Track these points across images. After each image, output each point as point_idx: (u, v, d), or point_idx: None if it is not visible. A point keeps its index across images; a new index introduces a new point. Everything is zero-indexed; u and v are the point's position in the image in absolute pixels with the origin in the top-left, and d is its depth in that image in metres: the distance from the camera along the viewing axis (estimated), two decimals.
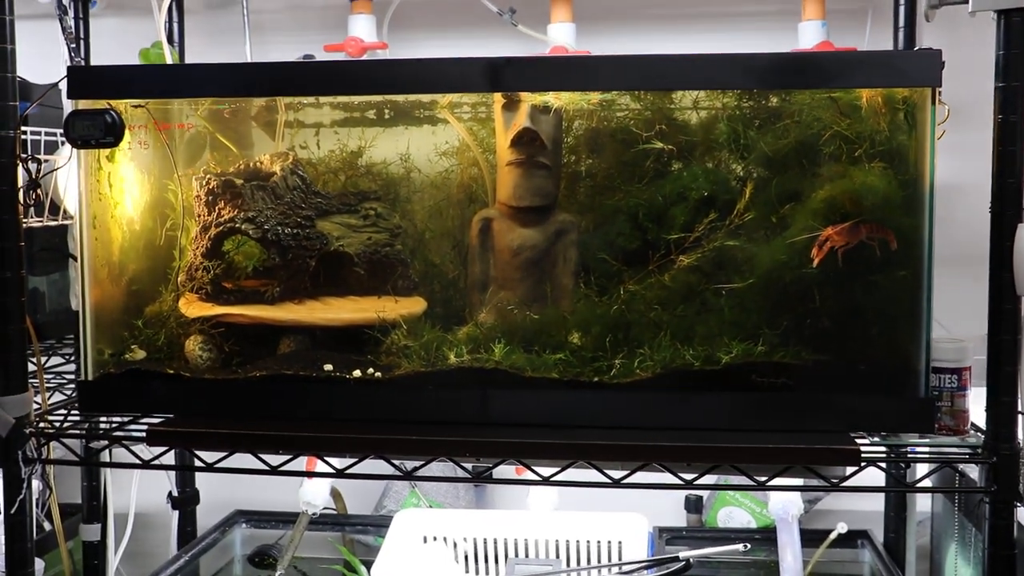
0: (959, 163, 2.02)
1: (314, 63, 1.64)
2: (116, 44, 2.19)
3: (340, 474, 1.65)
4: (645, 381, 1.60)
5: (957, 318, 1.75)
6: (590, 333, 1.66)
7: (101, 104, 1.66)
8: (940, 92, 1.58)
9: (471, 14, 2.32)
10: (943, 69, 1.54)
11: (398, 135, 1.83)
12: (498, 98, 1.73)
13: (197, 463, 1.69)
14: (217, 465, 1.67)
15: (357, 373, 1.67)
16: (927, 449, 1.62)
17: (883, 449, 1.59)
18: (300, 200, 1.79)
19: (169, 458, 1.72)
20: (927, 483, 1.63)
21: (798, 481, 1.60)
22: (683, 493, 2.40)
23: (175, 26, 2.31)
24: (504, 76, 1.61)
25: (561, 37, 2.22)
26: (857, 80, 1.54)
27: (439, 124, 1.81)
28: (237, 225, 1.73)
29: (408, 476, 1.67)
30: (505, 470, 1.68)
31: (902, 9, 2.13)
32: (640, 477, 1.58)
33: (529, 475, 1.63)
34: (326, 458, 1.67)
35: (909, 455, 1.59)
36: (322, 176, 1.88)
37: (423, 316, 1.76)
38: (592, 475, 1.59)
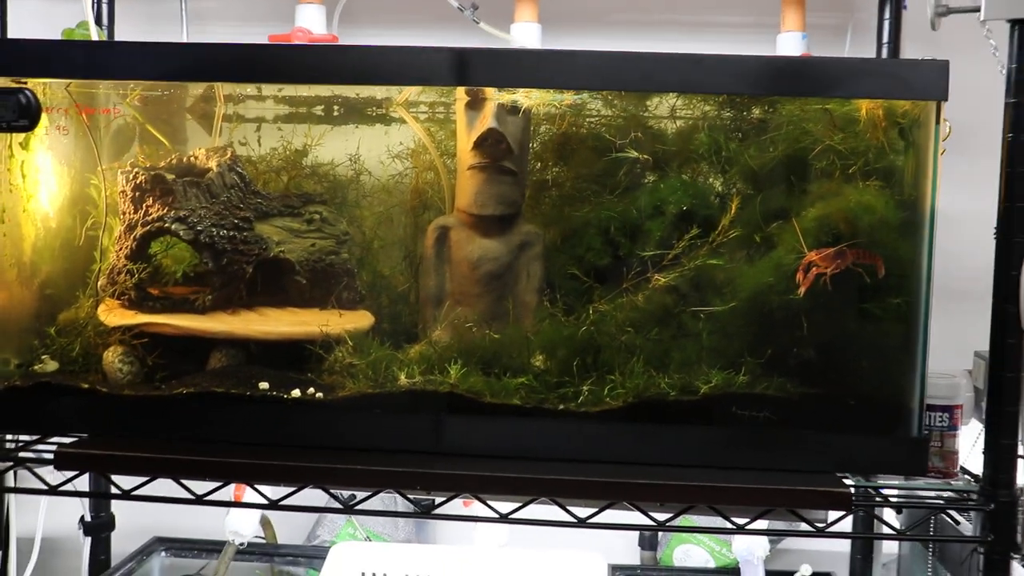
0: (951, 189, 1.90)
1: (253, 45, 1.47)
2: (41, 25, 2.00)
3: (274, 505, 1.48)
4: (615, 411, 1.46)
5: (940, 354, 1.63)
6: (556, 356, 1.51)
7: (15, 83, 1.48)
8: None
9: (430, 10, 2.17)
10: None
11: (348, 134, 1.67)
12: (461, 95, 1.58)
13: (113, 489, 1.50)
14: (135, 493, 1.48)
15: (296, 393, 1.50)
16: (920, 492, 1.49)
17: (872, 492, 1.46)
18: (238, 200, 1.62)
19: (82, 482, 1.53)
20: (916, 530, 1.50)
21: (780, 524, 1.46)
22: None
23: (104, 7, 2.12)
24: (471, 68, 1.45)
25: (525, 38, 2.08)
26: (859, 89, 1.42)
27: (393, 123, 1.66)
28: (166, 225, 1.55)
29: (348, 509, 1.50)
30: (454, 503, 1.52)
31: (887, 24, 2.02)
32: (606, 514, 1.43)
33: (478, 507, 1.47)
34: (258, 487, 1.49)
35: (902, 501, 1.45)
36: (263, 176, 1.71)
37: (370, 332, 1.59)
38: (554, 512, 1.44)
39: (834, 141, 1.49)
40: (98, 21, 2.10)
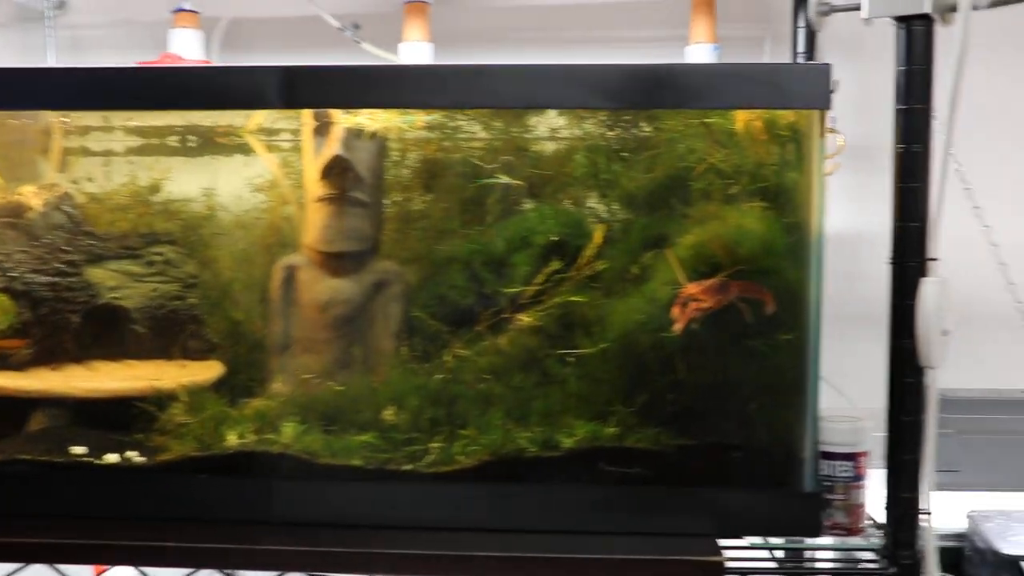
0: (862, 210, 1.75)
1: (59, 70, 1.31)
2: None
3: None
4: (468, 470, 1.29)
5: (862, 389, 1.46)
6: (406, 409, 1.33)
7: None
8: (833, 119, 1.30)
9: (315, 34, 2.01)
10: (833, 90, 1.26)
11: (203, 167, 1.51)
12: (308, 120, 1.42)
13: None
14: None
15: (113, 458, 1.33)
16: (824, 553, 1.31)
17: (764, 556, 1.28)
18: (64, 242, 1.45)
19: None
20: None
21: None
22: None
23: None
24: (298, 89, 1.30)
25: (414, 58, 1.92)
26: (728, 98, 1.26)
27: (251, 154, 1.50)
28: None
29: None
30: None
31: (801, 33, 1.86)
32: None
33: None
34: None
35: (790, 569, 1.28)
36: (106, 214, 1.54)
37: (217, 385, 1.43)
38: None
39: (716, 159, 1.32)
40: None
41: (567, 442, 1.29)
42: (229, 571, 1.28)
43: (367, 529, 1.28)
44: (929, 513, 1.20)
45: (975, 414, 1.66)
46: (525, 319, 1.34)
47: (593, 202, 1.39)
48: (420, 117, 1.41)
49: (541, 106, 1.32)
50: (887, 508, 1.23)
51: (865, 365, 1.43)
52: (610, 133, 1.38)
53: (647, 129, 1.36)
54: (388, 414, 1.35)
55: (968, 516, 1.53)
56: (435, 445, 1.31)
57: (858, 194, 1.76)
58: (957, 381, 1.53)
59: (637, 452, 1.27)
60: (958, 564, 1.51)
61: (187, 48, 1.96)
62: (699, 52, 1.90)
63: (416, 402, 1.34)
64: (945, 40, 1.24)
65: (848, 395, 1.47)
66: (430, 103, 1.34)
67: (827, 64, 1.24)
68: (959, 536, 1.51)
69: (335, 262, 1.42)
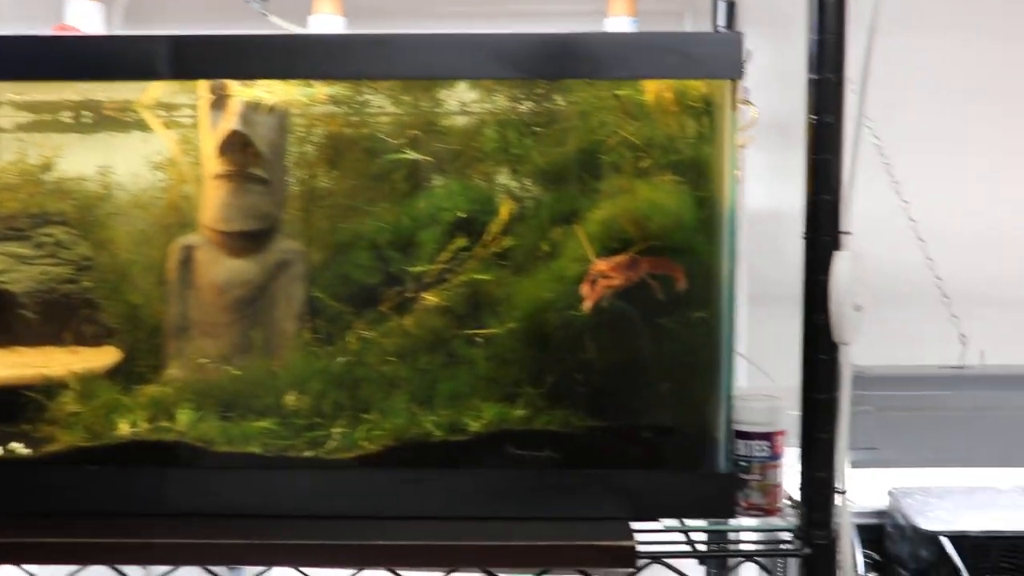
0: (787, 187, 1.71)
1: None
2: None
3: None
4: (372, 456, 1.24)
5: (781, 367, 1.42)
6: (307, 393, 1.28)
7: None
8: (746, 90, 1.26)
9: (223, 7, 1.94)
10: (746, 60, 1.22)
11: (95, 144, 1.44)
12: (205, 92, 1.35)
13: None
14: None
15: None
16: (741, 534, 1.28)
17: (679, 538, 1.24)
18: None
19: None
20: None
21: None
22: None
23: None
24: (187, 58, 1.23)
25: (324, 32, 1.85)
26: (639, 68, 1.22)
27: (145, 131, 1.43)
28: None
29: None
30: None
31: (721, 6, 1.82)
32: None
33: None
34: None
35: (703, 550, 1.24)
36: None
37: (111, 372, 1.36)
38: None
39: (627, 132, 1.28)
40: None
41: (474, 425, 1.24)
42: (119, 567, 1.22)
43: (267, 519, 1.22)
44: (844, 492, 1.17)
45: (894, 391, 1.64)
46: (431, 298, 1.29)
47: (504, 178, 1.34)
48: (322, 90, 1.35)
49: (444, 77, 1.27)
50: (801, 488, 1.20)
51: (784, 343, 1.40)
52: (521, 107, 1.33)
53: (559, 102, 1.31)
54: (289, 399, 1.29)
55: (889, 493, 1.51)
56: (337, 430, 1.26)
57: (780, 171, 1.73)
58: (876, 358, 1.51)
59: (547, 434, 1.24)
60: (879, 541, 1.50)
61: (85, 20, 1.87)
62: (617, 25, 1.86)
63: (318, 386, 1.28)
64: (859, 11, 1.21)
65: (768, 373, 1.44)
66: (328, 74, 1.29)
67: (739, 32, 1.21)
68: (880, 513, 1.50)
69: (234, 242, 1.36)
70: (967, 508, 1.45)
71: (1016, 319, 1.76)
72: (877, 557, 1.49)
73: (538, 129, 1.31)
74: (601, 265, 1.24)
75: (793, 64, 1.38)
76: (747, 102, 1.28)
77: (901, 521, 1.45)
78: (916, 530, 1.40)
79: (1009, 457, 1.64)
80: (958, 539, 1.37)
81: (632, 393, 1.25)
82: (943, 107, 1.82)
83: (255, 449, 1.25)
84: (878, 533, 1.50)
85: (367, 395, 1.27)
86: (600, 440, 1.23)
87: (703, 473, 1.22)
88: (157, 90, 1.37)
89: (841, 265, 1.16)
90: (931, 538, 1.38)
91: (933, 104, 1.83)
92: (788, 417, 1.32)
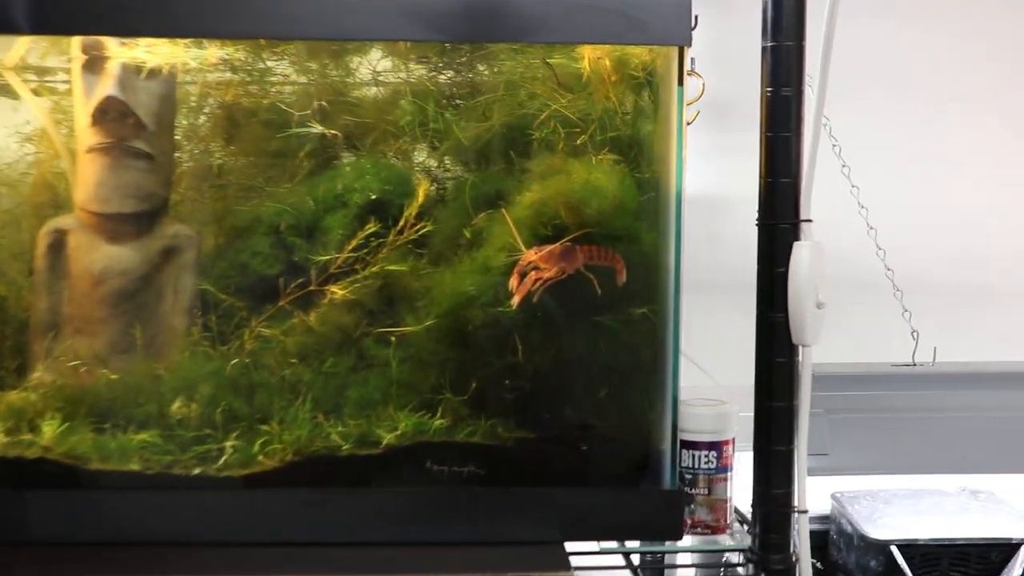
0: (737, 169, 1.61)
1: None
2: None
3: None
4: (269, 473, 1.11)
5: (726, 366, 1.32)
6: (196, 401, 1.13)
7: None
8: (693, 60, 1.14)
9: None
10: (694, 27, 1.09)
11: None
12: (77, 53, 1.19)
13: None
14: None
15: None
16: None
17: (618, 562, 1.12)
18: None
19: None
20: None
21: None
22: None
23: None
24: (48, 8, 1.07)
25: None
26: (574, 32, 1.09)
27: (12, 97, 1.27)
28: None
29: None
30: None
31: None
32: None
33: None
34: None
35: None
36: None
37: None
38: None
39: (560, 105, 1.14)
40: None
41: (388, 437, 1.12)
42: None
43: (148, 548, 1.09)
44: (805, 512, 1.05)
45: (844, 391, 1.54)
46: (339, 292, 1.16)
47: (421, 156, 1.20)
48: (215, 52, 1.20)
49: (352, 38, 1.13)
50: (754, 506, 1.09)
51: (726, 337, 1.29)
52: (441, 76, 1.19)
53: (483, 71, 1.18)
54: (175, 407, 1.14)
55: (832, 497, 1.44)
56: (231, 444, 1.12)
57: (730, 151, 1.61)
58: (825, 355, 1.41)
59: (470, 447, 1.13)
60: (823, 548, 1.43)
61: None
62: None
63: (209, 392, 1.17)
64: None
65: (712, 374, 1.32)
66: (221, 32, 1.13)
67: None
68: (823, 519, 1.43)
69: (112, 225, 1.23)
70: (914, 513, 1.39)
71: (970, 311, 1.68)
72: (820, 566, 1.41)
73: (460, 102, 1.19)
74: (531, 255, 1.11)
75: (742, 44, 1.26)
76: (694, 73, 1.15)
77: (847, 528, 1.38)
78: (864, 538, 1.33)
79: (965, 463, 1.56)
80: (907, 547, 1.31)
81: (566, 400, 1.14)
82: (897, 92, 1.72)
83: (134, 466, 1.13)
84: (822, 540, 1.43)
85: (265, 403, 1.16)
86: (530, 453, 1.13)
87: (646, 490, 1.10)
88: (22, 48, 1.21)
89: (802, 257, 1.04)
90: (880, 547, 1.31)
91: (887, 89, 1.73)
92: (736, 423, 1.20)
